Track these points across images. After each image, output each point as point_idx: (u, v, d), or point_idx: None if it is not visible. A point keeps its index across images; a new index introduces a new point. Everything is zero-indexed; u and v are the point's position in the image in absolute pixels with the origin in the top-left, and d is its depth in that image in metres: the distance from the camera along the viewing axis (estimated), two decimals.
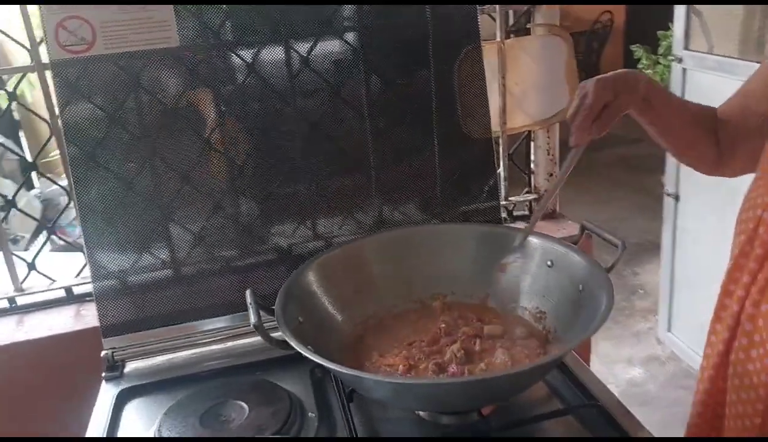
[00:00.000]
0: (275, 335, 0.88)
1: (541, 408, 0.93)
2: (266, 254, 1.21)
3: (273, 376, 1.03)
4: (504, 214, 1.42)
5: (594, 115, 0.87)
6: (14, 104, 1.21)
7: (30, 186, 3.46)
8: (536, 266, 1.03)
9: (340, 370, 0.82)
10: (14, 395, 1.14)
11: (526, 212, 1.45)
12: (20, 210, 1.29)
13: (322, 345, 0.92)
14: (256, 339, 1.11)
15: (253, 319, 0.88)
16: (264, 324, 0.88)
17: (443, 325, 1.01)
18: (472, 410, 0.89)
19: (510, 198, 1.39)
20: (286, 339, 0.85)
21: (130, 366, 1.08)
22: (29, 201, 3.35)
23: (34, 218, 1.43)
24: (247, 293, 0.93)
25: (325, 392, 1.00)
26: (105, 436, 0.93)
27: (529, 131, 1.40)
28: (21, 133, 3.93)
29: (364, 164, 1.22)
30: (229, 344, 1.12)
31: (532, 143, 1.40)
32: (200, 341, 1.12)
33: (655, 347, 2.75)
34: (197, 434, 0.90)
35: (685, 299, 2.47)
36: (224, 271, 1.18)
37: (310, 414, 0.95)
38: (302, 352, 0.83)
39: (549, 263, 1.02)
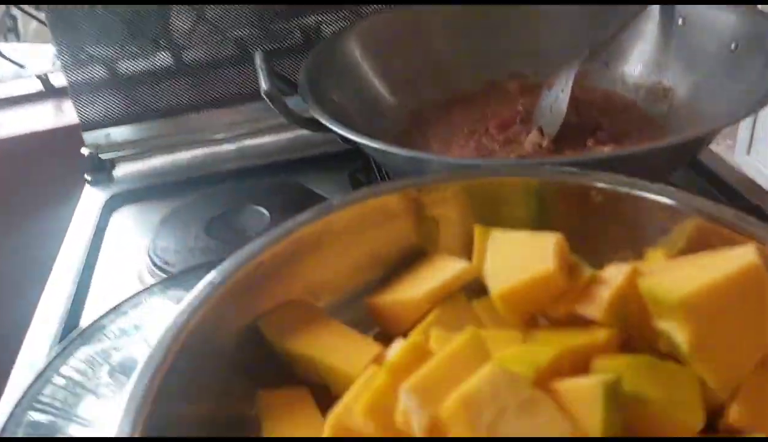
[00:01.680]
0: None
1: None
2: (289, 36, 0.94)
3: (302, 178, 0.79)
4: None
5: None
6: None
7: None
8: (658, 27, 0.74)
9: (398, 152, 0.56)
10: None
11: None
12: None
13: (365, 132, 0.67)
14: (282, 136, 0.88)
15: (264, 84, 0.63)
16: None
17: (521, 107, 0.75)
18: None
19: None
20: (316, 116, 0.61)
21: (122, 169, 0.85)
22: None
23: None
24: (256, 55, 0.68)
25: None
26: (89, 245, 0.72)
27: None
28: None
29: None
30: (247, 142, 0.88)
31: None
32: (209, 138, 0.88)
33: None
34: (203, 246, 0.69)
35: None
36: (237, 58, 0.91)
37: None
38: (338, 130, 0.59)
39: (680, 20, 0.73)
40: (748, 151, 2.32)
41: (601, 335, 0.32)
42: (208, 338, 0.35)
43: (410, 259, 0.41)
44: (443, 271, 0.38)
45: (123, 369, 0.55)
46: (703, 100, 0.68)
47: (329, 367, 0.35)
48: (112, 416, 0.43)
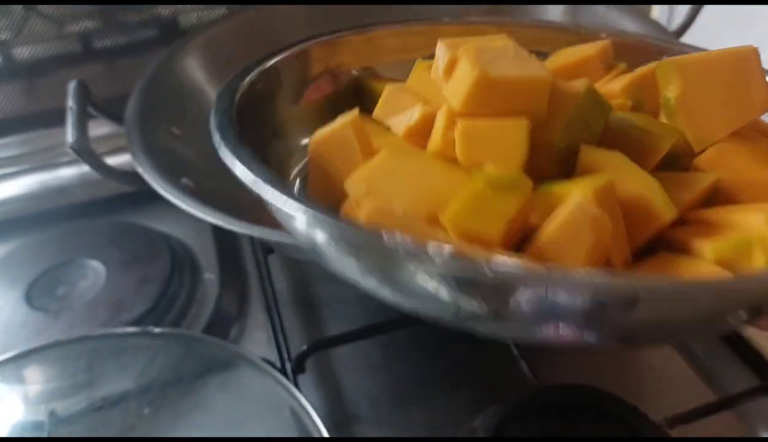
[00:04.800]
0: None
1: None
2: (140, 30, 0.76)
3: (146, 216, 0.67)
4: None
5: None
6: None
7: None
8: None
9: (250, 232, 0.43)
10: None
11: None
12: None
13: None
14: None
15: (70, 136, 0.51)
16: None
17: None
18: None
19: None
20: (139, 170, 0.50)
21: None
22: None
23: None
24: (70, 85, 0.56)
25: (231, 238, 0.64)
26: None
27: None
28: None
29: None
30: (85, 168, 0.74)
31: None
32: (38, 167, 0.72)
33: None
34: (27, 320, 0.55)
35: None
36: (79, 56, 0.74)
37: (207, 275, 0.61)
38: (169, 197, 0.46)
39: None
40: None
41: None
42: None
43: None
44: None
45: None
46: None
47: None
48: None
